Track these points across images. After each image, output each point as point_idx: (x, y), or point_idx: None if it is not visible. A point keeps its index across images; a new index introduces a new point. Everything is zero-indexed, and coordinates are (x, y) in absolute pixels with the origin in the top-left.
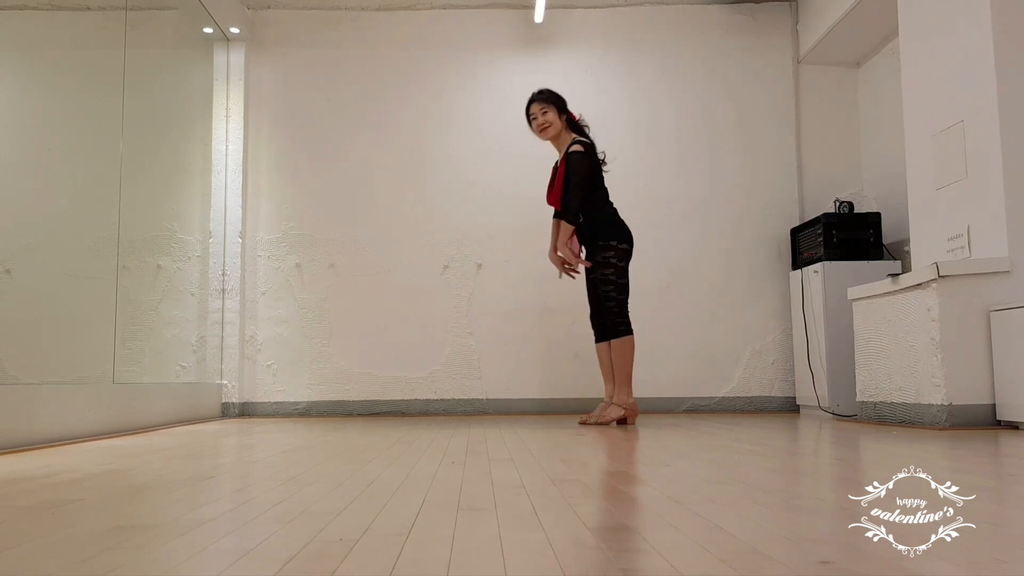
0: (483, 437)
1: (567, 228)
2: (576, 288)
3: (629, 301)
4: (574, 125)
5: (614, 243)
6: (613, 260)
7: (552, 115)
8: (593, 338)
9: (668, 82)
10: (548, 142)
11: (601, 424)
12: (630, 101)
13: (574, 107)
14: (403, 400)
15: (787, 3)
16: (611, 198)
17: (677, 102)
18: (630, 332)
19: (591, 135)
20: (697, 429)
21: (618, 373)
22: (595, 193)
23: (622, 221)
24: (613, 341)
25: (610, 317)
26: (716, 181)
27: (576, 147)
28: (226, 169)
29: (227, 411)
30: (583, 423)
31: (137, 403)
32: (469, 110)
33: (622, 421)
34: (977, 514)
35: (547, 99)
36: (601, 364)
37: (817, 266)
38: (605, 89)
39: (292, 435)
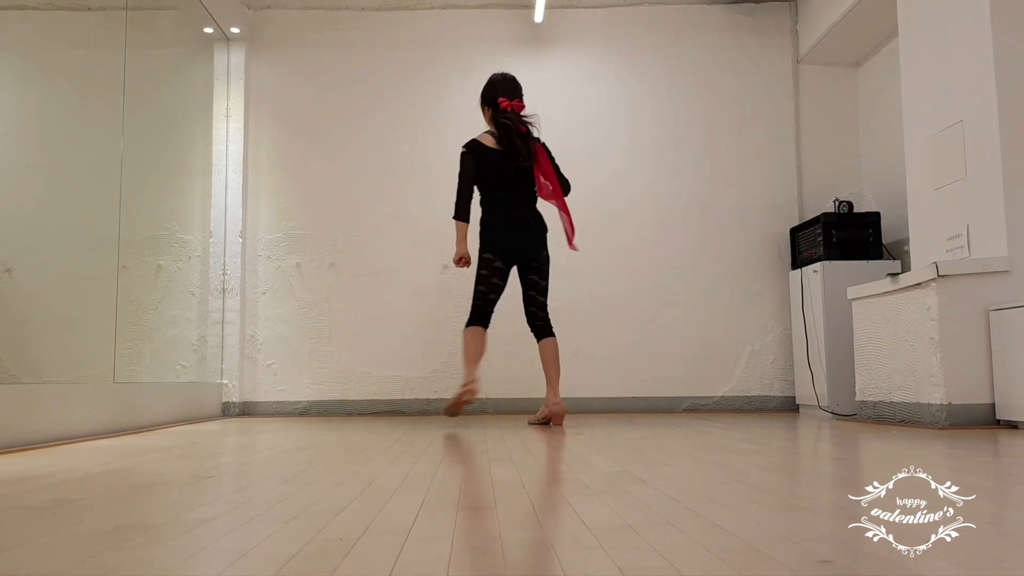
0: (483, 437)
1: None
2: (575, 288)
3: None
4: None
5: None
6: None
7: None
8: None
9: (668, 82)
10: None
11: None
12: (630, 101)
13: (573, 106)
14: (403, 400)
15: (787, 3)
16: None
17: (677, 102)
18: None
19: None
20: (696, 428)
21: None
22: None
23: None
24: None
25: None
26: (716, 180)
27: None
28: (226, 169)
29: (227, 411)
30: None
31: (137, 403)
32: (469, 110)
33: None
34: (977, 514)
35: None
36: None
37: (817, 266)
38: (605, 89)
39: (292, 435)
